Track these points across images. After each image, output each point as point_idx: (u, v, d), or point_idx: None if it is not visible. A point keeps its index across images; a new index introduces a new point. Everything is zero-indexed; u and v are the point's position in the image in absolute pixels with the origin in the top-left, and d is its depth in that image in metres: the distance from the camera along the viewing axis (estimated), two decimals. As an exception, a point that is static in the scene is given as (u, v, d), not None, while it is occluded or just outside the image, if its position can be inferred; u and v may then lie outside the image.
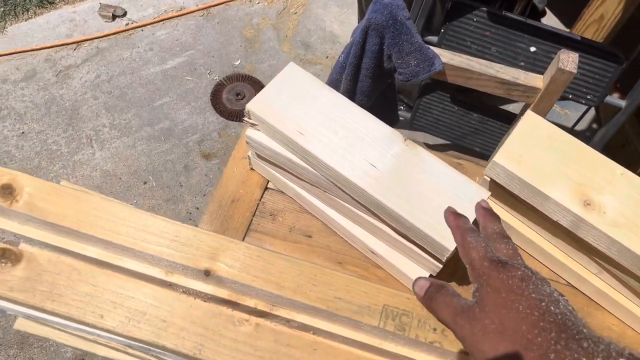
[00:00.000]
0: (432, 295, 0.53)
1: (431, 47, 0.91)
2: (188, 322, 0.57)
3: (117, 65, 2.20)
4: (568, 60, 0.82)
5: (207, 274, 0.60)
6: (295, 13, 2.39)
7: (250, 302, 0.63)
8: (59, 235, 0.60)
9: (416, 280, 0.57)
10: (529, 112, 0.78)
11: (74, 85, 2.14)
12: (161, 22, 2.34)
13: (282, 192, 0.93)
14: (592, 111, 2.03)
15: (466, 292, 0.52)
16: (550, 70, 0.86)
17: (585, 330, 0.43)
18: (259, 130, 0.81)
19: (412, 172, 0.72)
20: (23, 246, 0.62)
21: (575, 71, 0.81)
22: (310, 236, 0.89)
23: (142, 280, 0.62)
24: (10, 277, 0.58)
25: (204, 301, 0.62)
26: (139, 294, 0.58)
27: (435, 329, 0.58)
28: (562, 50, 0.85)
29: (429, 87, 1.47)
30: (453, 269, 0.88)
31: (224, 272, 0.60)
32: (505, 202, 0.85)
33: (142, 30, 2.32)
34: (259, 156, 0.88)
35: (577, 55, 0.82)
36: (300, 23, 2.35)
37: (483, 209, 0.59)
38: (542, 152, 0.75)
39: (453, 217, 0.59)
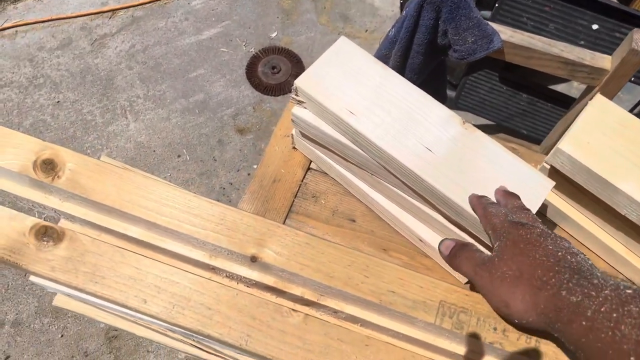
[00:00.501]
0: (456, 253, 0.58)
1: (490, 23, 0.85)
2: (234, 311, 0.54)
3: (152, 35, 2.17)
4: (642, 40, 0.75)
5: (253, 260, 0.57)
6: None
7: (297, 291, 0.60)
8: (101, 214, 0.58)
9: (442, 240, 0.62)
10: (598, 96, 0.72)
11: (108, 54, 2.12)
12: (198, -9, 2.30)
13: (325, 173, 0.89)
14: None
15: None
16: (621, 50, 0.79)
17: (599, 274, 0.45)
18: (306, 108, 0.77)
19: (471, 158, 0.68)
20: (64, 223, 0.60)
21: (649, 51, 0.74)
22: (354, 220, 0.86)
23: (185, 262, 0.59)
24: (52, 256, 0.56)
25: (248, 287, 0.59)
26: (184, 280, 0.56)
27: (495, 329, 0.54)
28: (635, 29, 0.78)
29: (477, 65, 1.40)
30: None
31: (271, 259, 0.57)
32: (565, 192, 0.80)
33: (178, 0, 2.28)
34: (303, 135, 0.84)
35: (653, 35, 0.75)
36: (334, 4, 2.28)
37: (502, 190, 0.63)
38: (612, 140, 0.70)
39: (475, 196, 0.63)
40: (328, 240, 0.59)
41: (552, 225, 0.84)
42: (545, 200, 0.82)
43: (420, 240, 0.80)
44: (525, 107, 1.37)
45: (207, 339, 0.58)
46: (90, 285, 0.54)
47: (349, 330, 0.55)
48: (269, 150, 0.91)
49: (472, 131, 0.70)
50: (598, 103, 0.72)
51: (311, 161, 0.90)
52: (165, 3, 2.26)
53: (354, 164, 0.79)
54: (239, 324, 0.54)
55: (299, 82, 0.73)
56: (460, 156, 0.68)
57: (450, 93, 1.45)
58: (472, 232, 0.68)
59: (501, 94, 1.39)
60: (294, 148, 0.91)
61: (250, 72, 2.04)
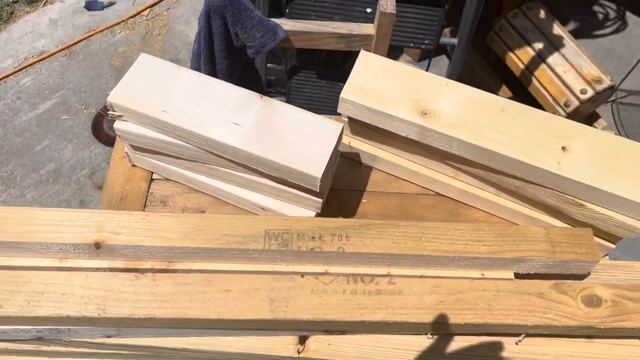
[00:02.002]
0: None
1: (272, 19, 1.00)
2: (87, 289, 0.61)
3: (-15, 122, 2.12)
4: (387, 4, 0.94)
5: (97, 246, 0.64)
6: (159, 34, 2.42)
7: (147, 265, 0.67)
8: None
9: None
10: (362, 52, 0.89)
11: (-57, 151, 2.04)
12: (23, 70, 2.28)
13: (167, 179, 0.98)
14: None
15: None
16: (377, 17, 0.98)
17: None
18: (126, 120, 0.85)
19: (273, 122, 0.80)
20: None
21: (394, 12, 0.93)
22: (203, 211, 0.94)
23: (35, 270, 0.64)
24: None
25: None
26: (34, 278, 0.61)
27: (313, 237, 0.66)
28: (381, -2, 0.97)
29: (295, 69, 1.57)
30: (337, 206, 0.97)
31: (113, 240, 0.64)
32: (367, 137, 0.95)
33: (5, 82, 2.24)
34: (135, 148, 0.92)
35: (394, -1, 0.95)
36: (166, 42, 2.39)
37: None
38: (380, 82, 0.86)
39: None
40: (161, 212, 0.68)
41: (368, 169, 1.00)
42: (356, 148, 0.97)
43: (263, 209, 0.91)
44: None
45: (73, 327, 0.64)
46: (-57, 307, 0.58)
47: (194, 274, 0.64)
48: (111, 174, 0.97)
49: (269, 102, 0.83)
50: (364, 56, 0.89)
51: (153, 172, 0.98)
52: (-7, 88, 2.23)
53: (187, 159, 0.88)
54: (94, 298, 0.60)
55: (111, 98, 0.81)
56: (265, 123, 0.80)
57: (283, 100, 1.61)
58: (294, 182, 0.80)
59: (322, 88, 1.57)
60: (133, 166, 0.98)
61: (97, 130, 2.07)
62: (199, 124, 0.79)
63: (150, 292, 0.61)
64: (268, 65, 1.58)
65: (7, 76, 2.29)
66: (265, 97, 0.83)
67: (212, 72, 1.08)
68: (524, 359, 0.68)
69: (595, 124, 1.88)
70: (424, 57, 2.16)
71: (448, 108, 0.84)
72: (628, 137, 2.03)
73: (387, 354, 0.67)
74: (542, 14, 1.80)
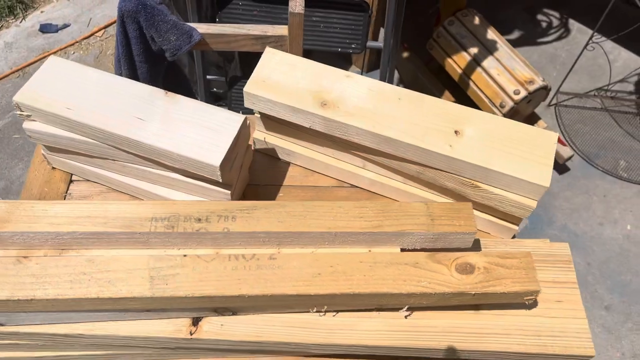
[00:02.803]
0: None
1: (187, 23, 1.03)
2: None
3: (-64, 143, 2.12)
4: (296, 5, 0.99)
5: (-15, 234, 0.65)
6: (112, 54, 2.45)
7: (40, 253, 0.69)
8: None
9: None
10: (268, 48, 0.92)
11: None
12: (-23, 92, 2.30)
13: (87, 180, 0.99)
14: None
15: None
16: (288, 18, 1.02)
17: None
18: (34, 120, 0.87)
19: (176, 116, 0.83)
20: None
21: (302, 11, 0.97)
22: (120, 210, 0.96)
23: None
24: None
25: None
26: None
27: (199, 219, 0.68)
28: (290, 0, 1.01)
29: (235, 79, 1.61)
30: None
31: (1, 228, 0.65)
32: (281, 132, 0.98)
33: (-42, 103, 2.26)
34: (50, 149, 0.93)
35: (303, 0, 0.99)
36: (121, 61, 2.43)
37: None
38: (283, 76, 0.89)
39: None
40: (47, 201, 0.69)
41: (286, 164, 1.02)
42: (272, 144, 1.00)
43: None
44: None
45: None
46: None
47: (77, 258, 0.65)
48: (30, 176, 0.99)
49: (173, 97, 0.85)
50: (269, 52, 0.92)
51: (72, 174, 0.99)
52: (-55, 110, 2.23)
53: (99, 157, 0.90)
54: (-25, 282, 0.61)
55: (17, 97, 0.83)
56: (168, 117, 0.83)
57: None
58: (198, 173, 0.82)
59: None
60: (53, 168, 0.99)
61: (48, 148, 2.08)
62: (103, 120, 0.82)
63: (32, 274, 0.62)
64: (209, 77, 1.61)
65: (-40, 98, 2.29)
66: (170, 93, 0.86)
67: (134, 77, 1.11)
68: (413, 331, 0.70)
69: (536, 125, 1.94)
70: (374, 68, 2.21)
71: (347, 98, 0.87)
72: (570, 138, 2.10)
73: (276, 331, 0.69)
74: (477, 20, 1.87)
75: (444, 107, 0.87)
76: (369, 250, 0.70)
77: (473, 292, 0.64)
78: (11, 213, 0.66)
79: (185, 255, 0.65)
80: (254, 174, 1.00)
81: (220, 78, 1.67)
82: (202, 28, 1.04)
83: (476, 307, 0.72)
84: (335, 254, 0.66)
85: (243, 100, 1.41)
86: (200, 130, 0.81)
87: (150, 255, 0.65)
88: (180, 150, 0.79)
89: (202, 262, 0.64)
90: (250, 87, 0.87)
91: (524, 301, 0.68)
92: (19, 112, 0.85)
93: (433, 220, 0.69)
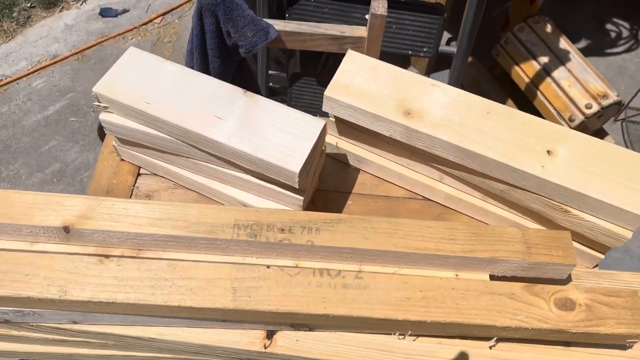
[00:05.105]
0: None
1: (264, 19, 1.01)
2: (51, 271, 0.60)
3: (-4, 121, 2.17)
4: (378, 6, 0.94)
5: (66, 230, 0.64)
6: (170, 41, 2.46)
7: (117, 252, 0.67)
8: None
9: None
10: (350, 51, 0.89)
11: (-48, 147, 2.08)
12: (36, 72, 2.33)
13: (154, 174, 0.98)
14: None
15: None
16: (369, 19, 0.98)
17: None
18: (111, 112, 0.86)
19: (255, 117, 0.80)
20: None
21: (385, 13, 0.93)
22: (187, 207, 0.94)
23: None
24: None
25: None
26: (2, 256, 0.61)
27: (282, 230, 0.65)
28: (372, 0, 0.97)
29: (297, 76, 1.58)
30: (322, 207, 0.96)
31: (82, 224, 0.64)
32: (354, 138, 0.94)
33: (18, 84, 2.29)
34: (122, 142, 0.92)
35: (385, 1, 0.94)
36: (175, 50, 2.42)
37: None
38: (366, 81, 0.86)
39: None
40: (128, 200, 0.67)
41: (356, 171, 0.99)
42: (344, 150, 0.97)
43: (245, 206, 0.91)
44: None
45: (38, 313, 0.63)
46: None
47: (158, 261, 0.63)
48: (99, 167, 0.98)
49: (252, 97, 0.83)
50: (351, 56, 0.88)
51: (140, 167, 0.98)
52: (6, 89, 2.27)
53: (171, 153, 0.89)
54: (57, 280, 0.60)
55: (97, 89, 0.82)
56: (247, 117, 0.80)
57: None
58: (273, 177, 0.79)
59: (322, 96, 1.56)
60: (122, 160, 0.99)
61: (103, 133, 2.09)
62: (181, 117, 0.80)
63: (114, 276, 0.61)
64: (270, 72, 1.59)
65: (20, 78, 2.33)
66: (249, 93, 0.83)
67: (205, 71, 1.09)
68: (497, 364, 0.66)
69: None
70: (433, 70, 2.15)
71: (432, 108, 0.83)
72: (636, 156, 2.00)
73: (354, 352, 0.66)
74: (549, 28, 1.79)
75: (536, 123, 0.82)
76: (456, 275, 0.66)
77: (573, 331, 0.59)
78: (93, 210, 0.65)
79: (268, 267, 0.62)
80: (323, 180, 0.97)
81: (281, 74, 1.64)
82: (279, 25, 1.02)
83: (567, 343, 0.67)
84: (424, 278, 0.63)
85: (303, 99, 1.38)
86: (279, 134, 0.79)
87: (232, 264, 0.63)
88: (259, 153, 0.77)
89: (285, 276, 0.62)
90: (331, 91, 0.84)
91: (625, 343, 0.63)
92: (96, 104, 0.84)
93: (529, 248, 0.64)
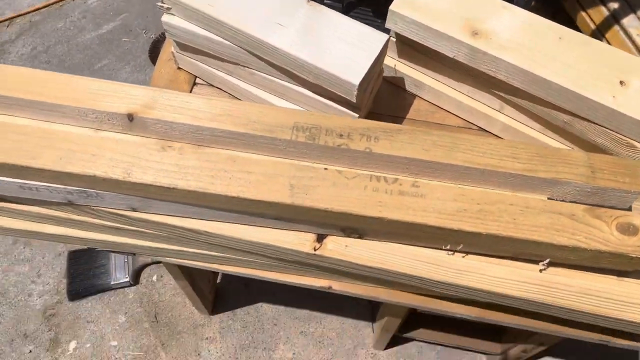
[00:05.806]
0: None
1: None
2: (116, 153, 0.62)
3: (52, 36, 2.19)
4: None
5: (130, 118, 0.65)
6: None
7: (177, 145, 0.68)
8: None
9: None
10: (419, -34, 0.85)
11: (11, 59, 2.13)
12: (92, -9, 2.35)
13: (210, 84, 0.98)
14: None
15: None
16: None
17: None
18: (174, 14, 0.85)
19: (317, 26, 0.79)
20: None
21: None
22: (241, 119, 0.94)
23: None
24: None
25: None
26: (68, 137, 0.63)
27: (341, 135, 0.64)
28: None
29: (351, 5, 1.53)
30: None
31: (146, 113, 0.65)
32: (414, 61, 0.92)
33: (74, 0, 2.31)
34: (181, 47, 0.92)
35: None
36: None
37: None
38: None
39: None
40: (190, 94, 0.68)
41: (412, 96, 0.97)
42: (401, 73, 0.95)
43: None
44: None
45: (99, 191, 0.66)
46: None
47: (218, 153, 0.64)
48: (156, 74, 0.99)
49: (315, 6, 0.81)
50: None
51: (196, 77, 0.99)
52: (62, 5, 2.29)
53: (229, 61, 0.88)
54: (121, 162, 0.62)
55: (161, -13, 0.82)
56: (309, 26, 0.79)
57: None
58: (331, 89, 0.79)
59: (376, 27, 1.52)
60: (178, 68, 0.99)
61: (154, 55, 2.10)
62: (244, 21, 0.79)
63: (176, 163, 0.62)
64: (325, 1, 1.55)
65: (76, -5, 2.35)
66: (312, 2, 0.82)
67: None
68: (548, 286, 0.66)
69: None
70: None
71: (501, 30, 0.79)
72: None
73: (403, 262, 0.66)
74: (624, -29, 1.67)
75: (611, 53, 0.78)
76: (514, 195, 0.65)
77: (633, 255, 0.58)
78: (156, 100, 0.66)
79: (326, 169, 0.63)
80: (378, 102, 0.95)
81: (335, 4, 1.60)
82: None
83: (620, 273, 0.66)
84: (482, 191, 0.62)
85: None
86: (341, 45, 0.77)
87: (290, 163, 0.63)
88: (319, 62, 0.76)
89: (342, 178, 0.62)
90: (397, 5, 0.81)
91: (684, 276, 0.61)
92: (160, 4, 0.84)
93: (594, 172, 0.62)
